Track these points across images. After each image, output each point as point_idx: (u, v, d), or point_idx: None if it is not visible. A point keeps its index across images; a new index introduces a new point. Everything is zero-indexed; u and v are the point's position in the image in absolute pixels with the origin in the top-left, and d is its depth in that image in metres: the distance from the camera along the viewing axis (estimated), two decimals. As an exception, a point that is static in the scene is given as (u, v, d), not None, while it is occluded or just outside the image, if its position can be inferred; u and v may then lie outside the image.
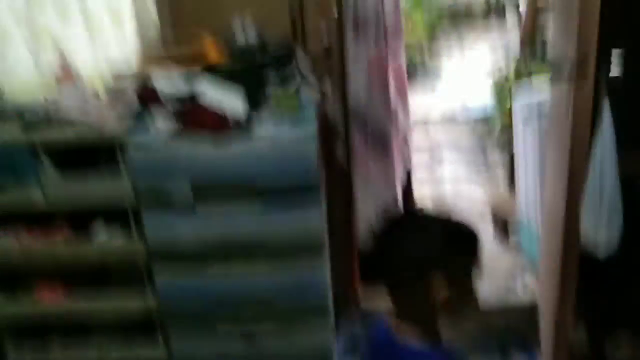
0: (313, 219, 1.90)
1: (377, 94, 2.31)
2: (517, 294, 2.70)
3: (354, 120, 2.33)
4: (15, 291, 2.21)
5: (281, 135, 1.83)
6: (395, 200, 2.39)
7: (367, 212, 2.36)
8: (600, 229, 1.65)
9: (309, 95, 2.03)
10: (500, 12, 8.64)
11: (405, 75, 2.47)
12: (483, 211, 3.70)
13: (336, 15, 2.27)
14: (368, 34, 2.25)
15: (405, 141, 2.50)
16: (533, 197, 2.70)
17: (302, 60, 2.14)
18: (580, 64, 1.46)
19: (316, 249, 1.93)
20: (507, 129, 4.71)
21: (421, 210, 1.10)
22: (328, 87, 2.22)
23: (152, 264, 2.00)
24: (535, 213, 2.68)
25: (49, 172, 2.01)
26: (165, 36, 2.31)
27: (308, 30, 2.32)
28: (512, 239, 3.16)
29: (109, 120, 1.97)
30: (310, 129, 1.85)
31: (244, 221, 1.89)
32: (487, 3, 8.80)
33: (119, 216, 2.04)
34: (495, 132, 4.96)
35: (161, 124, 1.87)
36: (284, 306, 1.98)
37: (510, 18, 8.47)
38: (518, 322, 2.55)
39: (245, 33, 2.20)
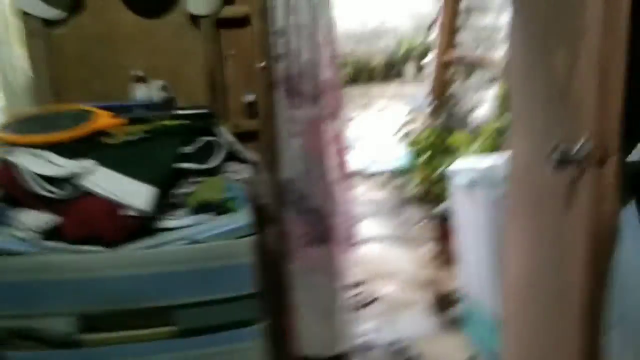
0: (250, 346, 1.39)
1: (315, 164, 1.88)
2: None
3: (289, 196, 1.88)
4: None
5: (203, 232, 1.33)
6: (340, 291, 1.94)
7: (308, 314, 1.88)
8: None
9: (236, 172, 1.56)
10: (401, 68, 8.77)
11: (345, 139, 2.07)
12: (413, 278, 3.36)
13: (263, 66, 1.84)
14: (303, 90, 1.83)
15: (349, 218, 2.08)
16: (485, 276, 2.37)
17: (223, 126, 1.67)
18: (598, 153, 1.15)
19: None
20: (425, 183, 4.52)
21: None
22: (255, 158, 1.76)
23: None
24: (489, 295, 2.35)
25: None
26: (40, 90, 1.73)
27: (228, 86, 1.86)
28: (452, 314, 2.81)
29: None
30: (242, 220, 1.37)
31: (153, 358, 1.34)
32: (390, 60, 8.90)
33: None
34: (410, 186, 4.74)
35: (29, 221, 1.29)
36: None
37: (410, 73, 8.65)
38: None
39: (148, 92, 1.70)
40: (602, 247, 1.22)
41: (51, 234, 1.29)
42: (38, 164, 1.35)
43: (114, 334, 1.32)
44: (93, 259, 1.28)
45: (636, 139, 1.25)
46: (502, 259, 2.05)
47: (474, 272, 2.47)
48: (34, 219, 1.30)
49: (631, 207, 1.28)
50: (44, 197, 1.32)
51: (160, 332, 1.33)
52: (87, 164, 1.36)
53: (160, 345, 1.34)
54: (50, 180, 1.33)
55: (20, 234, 1.28)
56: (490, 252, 2.28)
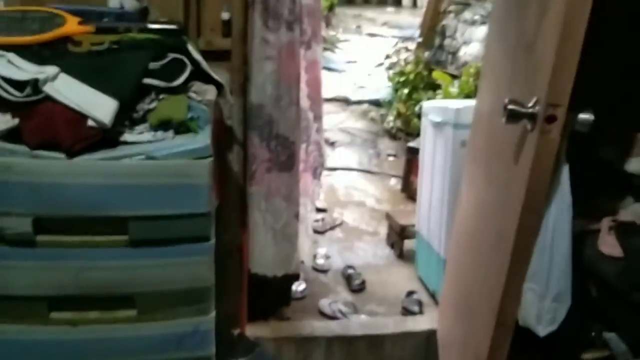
0: (200, 260, 1.46)
1: (287, 90, 1.88)
2: (412, 317, 2.46)
3: (255, 121, 1.90)
4: None
5: (162, 150, 1.36)
6: (297, 217, 2.01)
7: (262, 235, 1.95)
8: (545, 304, 1.42)
9: (201, 92, 1.57)
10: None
11: (320, 68, 2.06)
12: (375, 210, 3.48)
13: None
14: (280, 12, 1.80)
15: (318, 147, 2.11)
16: (437, 215, 2.46)
17: (194, 43, 1.66)
18: (547, 112, 1.18)
19: (202, 296, 1.51)
20: (402, 117, 4.54)
21: None
22: (225, 79, 1.76)
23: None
24: (438, 234, 2.44)
25: None
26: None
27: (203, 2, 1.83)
28: (405, 248, 2.93)
29: None
30: (202, 141, 1.40)
31: (104, 263, 1.40)
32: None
33: None
34: (388, 119, 4.76)
35: (-10, 123, 1.31)
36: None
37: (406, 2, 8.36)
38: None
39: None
40: (537, 200, 1.28)
41: (10, 136, 1.31)
42: (3, 66, 1.35)
43: (67, 238, 1.37)
44: (51, 164, 1.30)
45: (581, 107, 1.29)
46: (456, 200, 2.13)
47: (428, 211, 2.55)
48: (-4, 121, 1.31)
49: (565, 171, 1.34)
50: (3, 99, 1.32)
51: (113, 240, 1.39)
52: (50, 70, 1.35)
53: (112, 252, 1.40)
54: (11, 82, 1.33)
55: (-22, 134, 1.30)
56: (445, 193, 2.35)
